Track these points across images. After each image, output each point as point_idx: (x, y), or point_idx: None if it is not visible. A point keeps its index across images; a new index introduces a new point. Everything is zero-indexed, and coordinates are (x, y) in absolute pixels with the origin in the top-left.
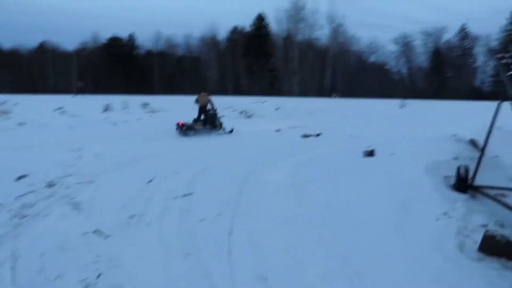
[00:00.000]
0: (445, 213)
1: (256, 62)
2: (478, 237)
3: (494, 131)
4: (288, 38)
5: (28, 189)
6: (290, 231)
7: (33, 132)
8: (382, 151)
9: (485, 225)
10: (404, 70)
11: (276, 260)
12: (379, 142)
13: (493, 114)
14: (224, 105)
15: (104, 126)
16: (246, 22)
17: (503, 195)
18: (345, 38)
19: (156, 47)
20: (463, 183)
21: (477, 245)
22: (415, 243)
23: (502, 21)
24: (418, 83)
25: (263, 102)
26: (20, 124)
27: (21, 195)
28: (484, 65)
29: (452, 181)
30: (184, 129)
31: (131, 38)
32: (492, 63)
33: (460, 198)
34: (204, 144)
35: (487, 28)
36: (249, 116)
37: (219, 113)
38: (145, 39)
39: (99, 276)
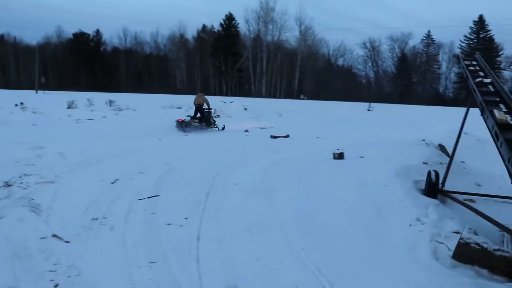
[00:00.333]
0: (417, 219)
1: (225, 62)
2: (451, 244)
3: (461, 137)
4: (257, 39)
5: None
6: (260, 238)
7: None
8: (351, 153)
9: (457, 232)
10: (371, 74)
11: (247, 268)
12: (348, 144)
13: (461, 120)
14: (192, 104)
15: (68, 124)
16: (214, 21)
17: (472, 201)
18: (314, 40)
19: (123, 44)
20: (434, 188)
21: (450, 252)
22: (389, 250)
23: (464, 30)
24: (384, 87)
25: (231, 102)
26: None
27: None
28: (447, 71)
29: (422, 185)
30: (183, 126)
31: (97, 34)
32: (456, 70)
33: (431, 203)
34: (171, 143)
35: (449, 36)
36: (217, 116)
37: (213, 111)
38: (111, 36)
39: (56, 286)
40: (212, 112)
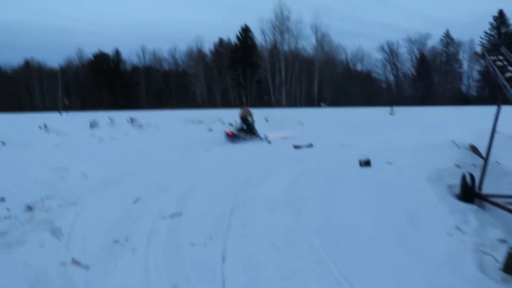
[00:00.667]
0: (457, 227)
1: (243, 74)
2: (498, 255)
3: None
4: (274, 49)
5: (3, 213)
6: (288, 255)
7: (13, 152)
8: (378, 160)
9: (504, 240)
10: (390, 77)
11: None
12: (373, 150)
13: (488, 118)
14: (213, 117)
15: (90, 143)
16: (231, 34)
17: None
18: (331, 47)
19: (142, 62)
20: (470, 192)
21: (499, 264)
22: (428, 262)
23: (484, 26)
24: (405, 90)
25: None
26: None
27: None
28: (468, 70)
29: (457, 190)
30: (232, 137)
31: (116, 54)
32: (478, 68)
33: (470, 209)
34: (195, 158)
35: (469, 34)
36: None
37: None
38: (130, 54)
39: None
40: (254, 124)
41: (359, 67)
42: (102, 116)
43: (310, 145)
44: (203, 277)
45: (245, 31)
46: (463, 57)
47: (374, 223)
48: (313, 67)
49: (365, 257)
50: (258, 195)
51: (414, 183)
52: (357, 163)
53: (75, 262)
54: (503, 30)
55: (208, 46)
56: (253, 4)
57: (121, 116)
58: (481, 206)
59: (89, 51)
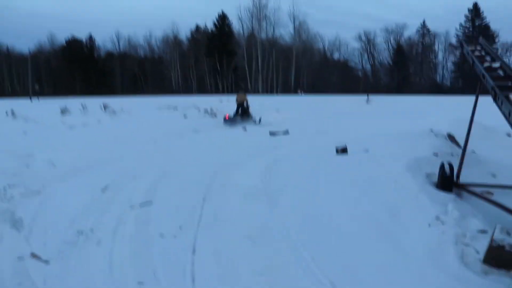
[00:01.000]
0: (437, 218)
1: (220, 61)
2: (479, 246)
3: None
4: (251, 37)
5: None
6: (264, 249)
7: None
8: (355, 148)
9: (483, 231)
10: (367, 66)
11: (249, 285)
12: (350, 138)
13: (462, 108)
14: (188, 104)
15: (61, 130)
16: (207, 21)
17: (489, 193)
18: (308, 36)
19: (117, 48)
20: (449, 182)
21: (480, 256)
22: (409, 255)
23: (460, 19)
24: (381, 79)
25: (228, 101)
26: None
27: None
28: (443, 61)
29: (435, 179)
30: (230, 121)
31: (90, 39)
32: (454, 59)
33: (450, 199)
34: (168, 145)
35: (444, 26)
36: (214, 115)
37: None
38: (104, 40)
39: None
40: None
41: (336, 55)
42: (74, 103)
43: (286, 132)
44: (171, 272)
45: (222, 18)
46: (439, 48)
47: (353, 214)
48: (291, 55)
49: (345, 251)
50: (232, 183)
51: (393, 172)
52: (334, 150)
53: (34, 256)
54: (477, 23)
55: (184, 33)
56: None
57: (94, 102)
58: (459, 195)
59: (62, 37)
